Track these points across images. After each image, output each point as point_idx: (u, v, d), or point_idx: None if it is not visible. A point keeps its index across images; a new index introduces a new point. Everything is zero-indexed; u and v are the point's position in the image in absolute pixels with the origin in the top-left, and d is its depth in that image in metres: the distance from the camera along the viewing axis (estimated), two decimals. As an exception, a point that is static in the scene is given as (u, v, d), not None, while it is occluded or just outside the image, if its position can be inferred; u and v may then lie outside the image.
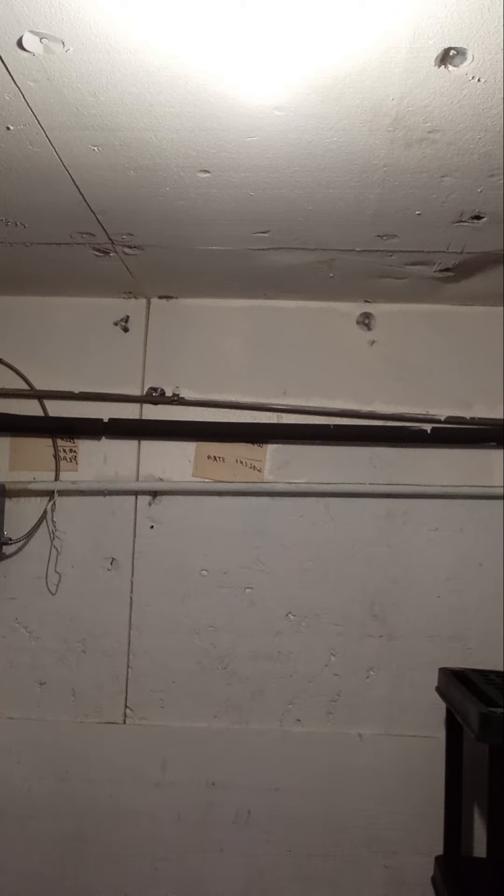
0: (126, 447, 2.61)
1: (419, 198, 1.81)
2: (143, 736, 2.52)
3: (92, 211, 1.95)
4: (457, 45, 1.26)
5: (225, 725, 2.52)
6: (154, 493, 2.59)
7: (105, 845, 2.49)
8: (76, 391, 2.61)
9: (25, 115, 1.52)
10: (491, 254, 2.14)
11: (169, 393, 2.61)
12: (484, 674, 2.27)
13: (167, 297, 2.65)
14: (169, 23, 1.23)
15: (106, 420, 2.59)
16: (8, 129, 1.56)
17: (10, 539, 2.56)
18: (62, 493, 2.59)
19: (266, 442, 2.59)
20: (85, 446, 2.62)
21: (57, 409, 2.62)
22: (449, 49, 1.28)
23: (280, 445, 2.58)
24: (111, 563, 2.58)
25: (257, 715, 2.52)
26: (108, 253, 2.23)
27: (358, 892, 2.44)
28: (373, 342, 2.61)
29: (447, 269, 2.26)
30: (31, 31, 1.26)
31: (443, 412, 2.55)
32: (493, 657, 2.46)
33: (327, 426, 2.54)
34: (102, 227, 2.04)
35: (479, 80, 1.35)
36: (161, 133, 1.56)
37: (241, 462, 2.59)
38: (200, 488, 2.59)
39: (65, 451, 2.62)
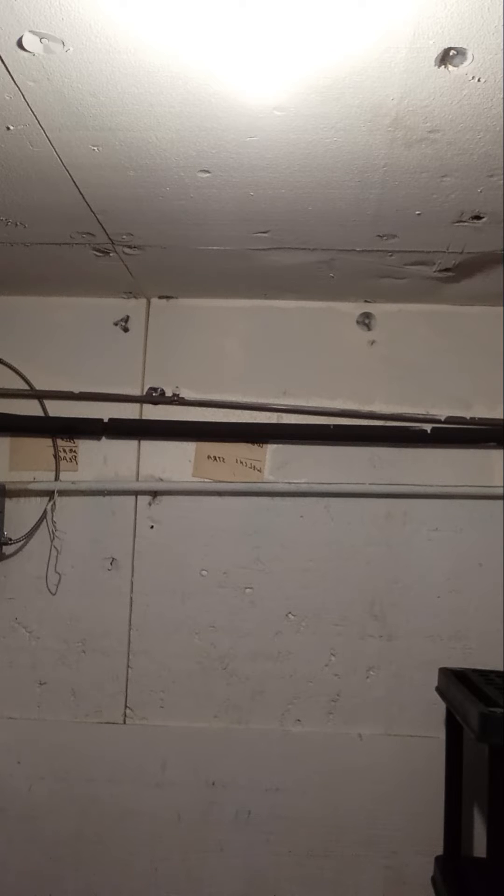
0: (126, 447, 2.61)
1: (419, 198, 1.81)
2: (143, 736, 2.52)
3: (92, 211, 1.95)
4: (457, 45, 1.27)
5: (225, 725, 2.52)
6: (154, 493, 2.59)
7: (105, 845, 2.49)
8: (76, 391, 2.61)
9: (25, 115, 1.52)
10: (491, 254, 2.14)
11: (169, 393, 2.62)
12: (484, 674, 2.27)
13: (167, 297, 2.65)
14: (169, 23, 1.23)
15: (106, 420, 2.59)
16: (8, 129, 1.56)
17: (10, 539, 2.56)
18: (62, 493, 2.59)
19: (266, 442, 2.59)
20: (85, 446, 2.62)
21: (57, 409, 2.62)
22: (449, 49, 1.28)
23: (280, 445, 2.58)
24: (111, 563, 2.58)
25: (257, 715, 2.52)
26: (108, 253, 2.23)
27: (358, 892, 2.44)
28: (373, 342, 2.61)
29: (447, 269, 2.26)
30: (31, 31, 1.27)
31: (443, 412, 2.55)
32: (493, 657, 2.46)
33: (327, 426, 2.54)
34: (102, 227, 2.04)
35: (479, 80, 1.35)
36: (161, 133, 1.56)
37: (241, 462, 2.59)
38: (200, 488, 2.59)
39: (65, 451, 2.62)
